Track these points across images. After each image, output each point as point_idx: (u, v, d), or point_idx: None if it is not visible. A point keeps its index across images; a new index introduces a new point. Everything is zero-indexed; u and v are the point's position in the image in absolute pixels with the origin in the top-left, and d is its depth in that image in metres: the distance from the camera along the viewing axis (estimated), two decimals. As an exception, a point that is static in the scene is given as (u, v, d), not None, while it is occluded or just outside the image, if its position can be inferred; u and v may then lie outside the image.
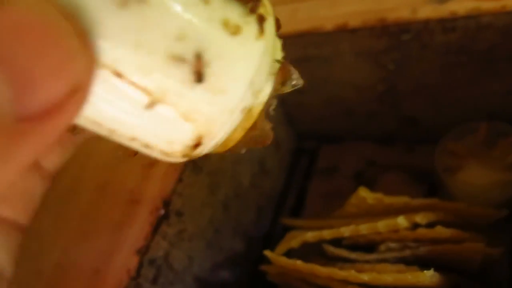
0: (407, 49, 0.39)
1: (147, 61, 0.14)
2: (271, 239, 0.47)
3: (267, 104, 0.18)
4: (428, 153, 0.44)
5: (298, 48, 0.43)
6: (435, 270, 0.28)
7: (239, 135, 0.18)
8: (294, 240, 0.33)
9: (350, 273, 0.28)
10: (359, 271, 0.29)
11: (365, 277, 0.28)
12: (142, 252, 0.34)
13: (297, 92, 0.40)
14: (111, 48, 0.13)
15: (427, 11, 0.37)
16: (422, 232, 0.30)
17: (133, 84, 0.14)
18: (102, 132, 0.15)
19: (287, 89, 0.20)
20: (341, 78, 0.45)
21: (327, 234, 0.32)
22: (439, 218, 0.32)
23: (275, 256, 0.32)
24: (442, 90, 0.42)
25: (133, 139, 0.16)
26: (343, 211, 0.36)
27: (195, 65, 0.14)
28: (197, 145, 0.17)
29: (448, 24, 0.36)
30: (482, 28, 0.36)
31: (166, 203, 0.36)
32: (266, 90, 0.17)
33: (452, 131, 0.41)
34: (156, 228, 0.35)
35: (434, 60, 0.39)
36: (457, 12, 0.36)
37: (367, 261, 0.31)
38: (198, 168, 0.39)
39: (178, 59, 0.14)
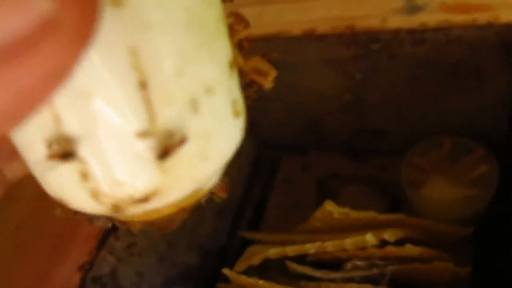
0: (376, 59, 0.38)
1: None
2: (228, 253, 0.45)
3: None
4: (393, 166, 0.43)
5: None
6: (403, 290, 0.27)
7: (170, 210, 0.16)
8: (255, 257, 0.31)
9: (315, 294, 0.26)
10: (325, 291, 0.27)
11: (332, 299, 0.26)
12: (85, 268, 0.30)
13: (260, 98, 0.37)
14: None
15: (397, 21, 0.36)
16: (391, 250, 0.28)
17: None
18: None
19: None
20: (307, 86, 0.43)
21: (290, 250, 0.30)
22: (407, 235, 0.31)
23: (235, 275, 0.29)
24: (408, 103, 0.41)
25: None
26: (307, 225, 0.34)
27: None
28: (144, 200, 0.14)
29: (418, 35, 0.35)
30: (451, 41, 0.35)
31: (115, 214, 0.32)
32: (216, 178, 0.17)
33: (418, 145, 0.40)
34: (102, 242, 0.31)
35: (401, 73, 0.39)
36: (427, 24, 0.35)
37: (332, 280, 0.29)
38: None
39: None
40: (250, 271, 0.34)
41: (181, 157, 0.13)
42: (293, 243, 0.32)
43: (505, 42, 0.34)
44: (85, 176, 0.13)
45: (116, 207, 0.14)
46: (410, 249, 0.28)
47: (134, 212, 0.15)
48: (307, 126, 0.47)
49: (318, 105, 0.44)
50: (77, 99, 0.12)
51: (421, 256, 0.29)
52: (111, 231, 0.32)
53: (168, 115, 0.13)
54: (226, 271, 0.29)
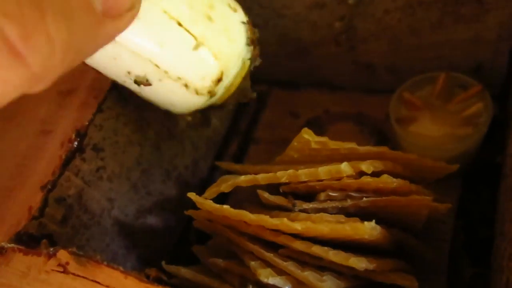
0: (370, -18, 0.35)
1: (196, 17, 0.24)
2: (209, 186, 0.43)
3: (251, 62, 0.29)
4: (384, 103, 0.41)
5: (251, -26, 0.38)
6: (377, 223, 0.25)
7: (237, 81, 0.27)
8: (225, 184, 0.29)
9: (282, 222, 0.25)
10: (293, 220, 0.25)
11: (297, 227, 0.24)
12: (48, 188, 0.29)
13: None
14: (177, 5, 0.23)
15: None
16: (366, 180, 0.26)
17: (187, 31, 0.23)
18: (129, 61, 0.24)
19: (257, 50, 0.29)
20: (297, 12, 0.40)
21: (262, 178, 0.28)
22: (387, 168, 0.29)
23: (201, 200, 0.28)
24: (402, 34, 0.38)
25: (166, 72, 0.24)
26: (284, 156, 0.32)
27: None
28: (219, 80, 0.26)
29: (417, -47, 0.32)
30: (453, -39, 0.32)
31: (80, 135, 0.31)
32: (251, 49, 0.28)
33: (410, 80, 0.38)
34: (66, 162, 0.30)
35: (398, -2, 0.35)
36: None
37: (304, 210, 0.28)
38: (124, 99, 0.34)
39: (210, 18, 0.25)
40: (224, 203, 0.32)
41: (220, 46, 0.25)
42: (267, 173, 0.30)
43: (513, -38, 0.30)
44: (185, 85, 0.25)
45: (210, 93, 0.26)
46: (387, 180, 0.26)
47: (221, 93, 0.27)
48: (297, 57, 0.44)
49: (308, 34, 0.42)
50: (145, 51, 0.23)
51: (399, 188, 0.27)
52: (76, 151, 0.30)
53: (199, 30, 0.24)
54: (191, 195, 0.28)
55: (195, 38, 0.24)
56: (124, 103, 0.34)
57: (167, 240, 0.40)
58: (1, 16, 0.13)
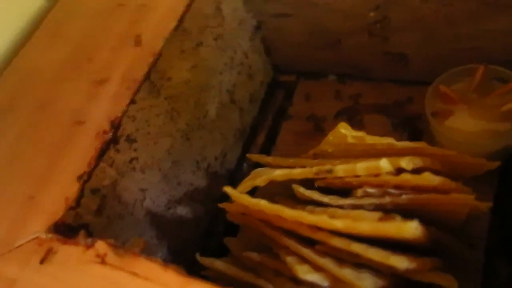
0: (409, -29, 0.34)
1: None
2: (237, 177, 0.43)
3: None
4: (418, 97, 0.40)
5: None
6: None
7: None
8: (260, 177, 0.29)
9: (321, 218, 0.24)
10: (332, 216, 0.25)
11: (338, 224, 0.24)
12: (84, 179, 0.29)
13: (278, 15, 0.33)
14: None
15: None
16: (406, 177, 0.26)
17: None
18: None
19: None
20: (329, 1, 0.39)
21: (297, 173, 0.28)
22: (426, 165, 0.28)
23: (237, 194, 0.27)
24: (439, 24, 0.37)
25: None
26: (318, 150, 0.32)
27: None
28: None
29: None
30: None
31: (115, 126, 0.31)
32: None
33: (447, 73, 0.37)
34: (101, 153, 0.30)
35: (437, -13, 0.34)
36: None
37: (341, 206, 0.27)
38: (156, 90, 0.34)
39: None
40: (255, 195, 0.32)
41: None
42: (302, 167, 0.30)
43: None
44: None
45: None
46: (429, 177, 0.26)
47: None
48: (328, 48, 0.43)
49: (340, 24, 0.41)
50: None
51: (440, 187, 0.27)
52: (110, 142, 0.30)
53: None
54: (227, 189, 0.27)
55: None
56: (156, 94, 0.34)
57: (196, 230, 0.40)
58: None
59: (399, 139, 0.30)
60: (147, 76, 0.33)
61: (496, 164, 0.30)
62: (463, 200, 0.26)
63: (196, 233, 0.40)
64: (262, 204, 0.26)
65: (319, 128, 0.43)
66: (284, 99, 0.48)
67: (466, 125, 0.35)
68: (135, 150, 0.33)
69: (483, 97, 0.36)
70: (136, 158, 0.33)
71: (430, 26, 0.38)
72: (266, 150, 0.45)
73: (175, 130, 0.36)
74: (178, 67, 0.36)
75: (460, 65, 0.36)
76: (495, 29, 0.36)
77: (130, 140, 0.32)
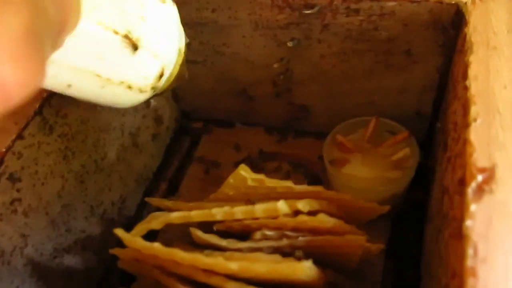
0: (308, 27, 0.36)
1: (131, 21, 0.23)
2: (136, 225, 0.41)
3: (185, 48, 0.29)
4: (317, 145, 0.41)
5: (192, 10, 0.38)
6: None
7: (176, 70, 0.28)
8: (155, 220, 0.28)
9: (216, 261, 0.23)
10: (228, 259, 0.24)
11: (233, 266, 0.23)
12: (-50, 221, 0.26)
13: (186, 61, 0.33)
14: (109, 13, 0.22)
15: (333, -12, 0.34)
16: (303, 219, 0.26)
17: (124, 37, 0.23)
18: (74, 80, 0.23)
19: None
20: (236, 51, 0.40)
21: (195, 215, 0.27)
22: (323, 208, 0.29)
23: (129, 237, 0.26)
24: (337, 79, 0.40)
25: (109, 79, 0.24)
26: (219, 193, 0.31)
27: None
28: (161, 75, 0.26)
29: (353, 4, 0.34)
30: (385, 14, 0.34)
31: (-5, 162, 0.28)
32: (184, 36, 0.28)
33: (343, 123, 0.39)
34: (-24, 192, 0.27)
35: (333, 44, 0.37)
36: (363, -7, 0.34)
37: (239, 250, 0.27)
38: (49, 127, 0.32)
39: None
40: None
41: (158, 44, 0.25)
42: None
43: (436, 20, 0.33)
44: (129, 87, 0.25)
45: (154, 88, 0.26)
46: (323, 219, 0.26)
47: (162, 85, 0.27)
48: (234, 96, 0.44)
49: (246, 74, 0.42)
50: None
51: (334, 229, 0.27)
52: (-13, 180, 0.27)
53: (135, 33, 0.24)
54: (118, 231, 0.26)
55: (133, 42, 0.23)
56: (48, 130, 0.32)
57: (87, 282, 0.36)
58: None
59: (298, 183, 0.31)
60: (39, 111, 0.31)
61: (386, 208, 0.31)
62: (356, 241, 0.27)
63: (87, 285, 0.37)
64: (155, 247, 0.24)
65: (221, 176, 0.43)
66: (190, 145, 0.48)
67: (360, 172, 0.37)
68: (18, 190, 0.30)
69: (375, 147, 0.38)
70: (19, 200, 0.30)
71: (329, 80, 0.40)
72: (169, 196, 0.44)
73: (67, 171, 0.34)
74: (75, 104, 0.34)
75: (357, 117, 0.39)
76: (387, 86, 0.39)
77: (14, 179, 0.29)
